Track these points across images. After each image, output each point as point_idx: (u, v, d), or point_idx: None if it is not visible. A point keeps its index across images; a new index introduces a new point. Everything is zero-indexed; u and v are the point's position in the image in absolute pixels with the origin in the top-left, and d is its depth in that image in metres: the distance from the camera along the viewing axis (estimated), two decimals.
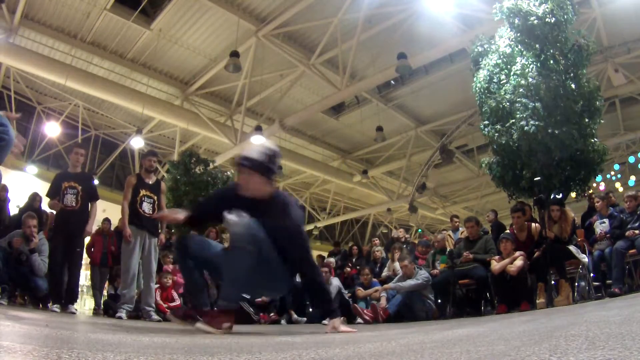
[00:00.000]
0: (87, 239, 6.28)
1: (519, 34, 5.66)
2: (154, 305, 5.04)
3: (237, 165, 2.58)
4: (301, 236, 2.59)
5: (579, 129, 5.32)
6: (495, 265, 5.04)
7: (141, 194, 4.99)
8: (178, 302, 6.11)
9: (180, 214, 2.85)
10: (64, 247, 4.99)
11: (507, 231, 6.17)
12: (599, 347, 0.94)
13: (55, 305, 4.94)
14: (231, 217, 2.36)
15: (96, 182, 13.93)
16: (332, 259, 8.61)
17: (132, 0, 9.70)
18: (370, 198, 20.05)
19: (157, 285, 5.68)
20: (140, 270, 5.12)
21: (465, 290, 5.71)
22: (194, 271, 2.66)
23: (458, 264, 5.55)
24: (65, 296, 5.03)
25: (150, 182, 5.15)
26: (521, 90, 5.43)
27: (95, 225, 5.93)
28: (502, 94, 5.68)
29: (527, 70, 5.48)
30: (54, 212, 5.31)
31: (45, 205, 7.25)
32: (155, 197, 5.10)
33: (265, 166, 2.55)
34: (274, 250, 2.43)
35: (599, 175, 6.86)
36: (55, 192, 5.11)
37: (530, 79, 5.39)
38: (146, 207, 4.99)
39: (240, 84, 11.42)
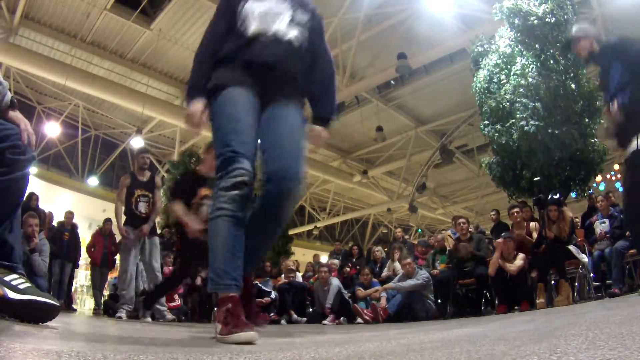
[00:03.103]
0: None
1: (519, 34, 5.67)
2: (165, 304, 4.95)
3: None
4: None
5: (579, 129, 5.33)
6: (490, 267, 5.04)
7: (136, 195, 4.91)
8: (178, 302, 6.12)
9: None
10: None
11: (508, 231, 6.16)
12: (599, 347, 0.94)
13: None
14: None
15: (96, 182, 14.09)
16: (335, 260, 8.46)
17: (132, 0, 9.71)
18: (370, 198, 20.05)
19: None
20: (140, 272, 5.08)
21: (465, 290, 5.70)
22: None
23: (457, 260, 5.54)
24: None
25: (145, 180, 5.07)
26: (521, 90, 5.44)
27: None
28: (502, 94, 5.69)
29: (527, 70, 5.49)
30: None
31: (43, 205, 7.26)
32: (151, 195, 5.02)
33: None
34: None
35: (599, 176, 6.86)
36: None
37: (530, 79, 5.41)
38: (142, 207, 4.91)
39: None
